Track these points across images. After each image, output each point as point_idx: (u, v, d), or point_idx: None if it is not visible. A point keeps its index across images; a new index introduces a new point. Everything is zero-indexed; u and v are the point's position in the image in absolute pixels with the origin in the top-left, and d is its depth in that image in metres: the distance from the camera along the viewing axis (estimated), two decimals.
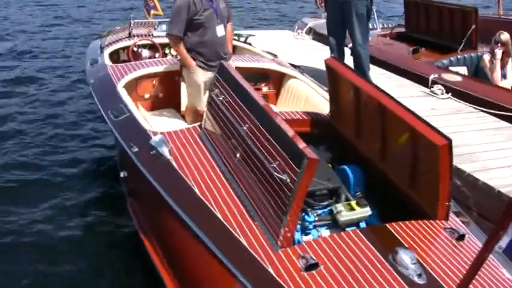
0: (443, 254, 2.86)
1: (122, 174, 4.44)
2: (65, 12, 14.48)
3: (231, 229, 2.93)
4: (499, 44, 6.24)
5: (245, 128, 3.12)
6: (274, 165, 2.78)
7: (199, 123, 3.93)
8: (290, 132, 2.86)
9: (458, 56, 6.76)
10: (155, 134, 3.88)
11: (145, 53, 6.29)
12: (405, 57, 7.04)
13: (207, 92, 4.56)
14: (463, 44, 6.82)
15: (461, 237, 3.01)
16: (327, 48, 8.22)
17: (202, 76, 4.69)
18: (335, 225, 3.32)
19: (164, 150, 3.63)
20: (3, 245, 4.48)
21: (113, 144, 5.65)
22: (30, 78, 9.00)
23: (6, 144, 6.34)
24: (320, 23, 9.81)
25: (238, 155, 3.19)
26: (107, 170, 5.75)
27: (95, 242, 4.56)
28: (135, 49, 6.23)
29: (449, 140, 2.94)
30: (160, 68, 5.38)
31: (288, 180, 2.66)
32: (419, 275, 2.59)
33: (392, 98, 3.43)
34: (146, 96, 5.39)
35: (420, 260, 2.68)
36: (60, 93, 8.32)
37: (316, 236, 3.16)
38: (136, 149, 3.83)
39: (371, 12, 5.82)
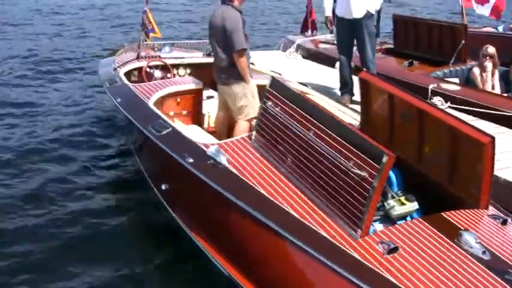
0: (495, 235, 3.28)
1: (163, 187, 4.69)
2: (73, 27, 14.91)
3: (308, 224, 3.27)
4: (487, 57, 6.80)
5: (311, 133, 3.47)
6: (350, 164, 3.13)
7: (247, 134, 4.27)
8: (360, 133, 3.25)
9: (451, 69, 7.31)
10: (206, 145, 4.19)
11: (157, 73, 6.56)
12: (402, 70, 7.54)
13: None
14: (453, 57, 7.39)
15: (504, 222, 3.45)
16: (322, 66, 8.78)
17: (255, 86, 5.04)
18: (386, 219, 3.70)
19: (222, 159, 3.95)
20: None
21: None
22: (45, 89, 9.33)
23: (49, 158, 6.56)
24: (306, 40, 10.29)
25: (303, 158, 3.54)
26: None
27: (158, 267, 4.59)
28: (148, 70, 6.51)
29: (493, 138, 3.37)
30: (184, 87, 5.72)
31: (367, 176, 3.03)
32: (483, 252, 3.02)
33: (429, 103, 3.86)
34: (171, 113, 5.66)
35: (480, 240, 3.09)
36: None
37: (373, 230, 3.52)
38: (191, 160, 4.11)
39: (379, 30, 6.29)
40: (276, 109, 3.86)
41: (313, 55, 9.62)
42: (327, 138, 3.37)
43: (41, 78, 9.91)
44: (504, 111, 5.88)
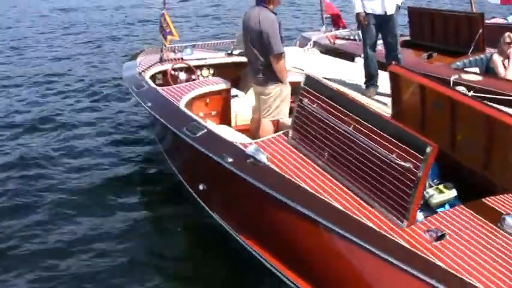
0: None
1: (201, 187, 4.81)
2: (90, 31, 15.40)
3: (353, 215, 3.37)
4: (510, 45, 6.88)
5: (351, 128, 3.57)
6: (394, 156, 3.24)
7: (283, 132, 4.37)
8: (400, 125, 3.35)
9: (470, 59, 7.38)
10: (243, 145, 4.30)
11: (182, 75, 6.65)
12: (422, 62, 7.60)
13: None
14: (472, 47, 7.45)
15: None
16: (341, 60, 8.86)
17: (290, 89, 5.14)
18: (426, 208, 3.81)
19: (262, 157, 4.05)
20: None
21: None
22: (65, 94, 9.63)
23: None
24: (322, 36, 10.37)
25: (344, 153, 3.64)
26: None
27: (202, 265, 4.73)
28: (172, 72, 6.62)
29: None
30: (212, 87, 5.82)
31: (412, 167, 3.13)
32: None
33: (461, 92, 3.95)
34: (201, 114, 5.76)
35: None
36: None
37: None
38: (231, 160, 4.22)
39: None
40: (313, 106, 3.96)
41: (330, 51, 9.69)
42: (367, 132, 3.47)
43: (66, 84, 10.21)
44: None
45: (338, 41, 10.06)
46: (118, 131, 7.76)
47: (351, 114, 3.63)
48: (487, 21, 9.14)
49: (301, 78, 5.98)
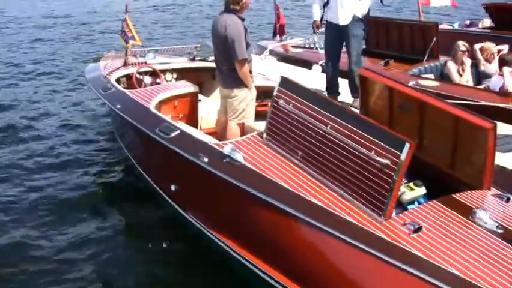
0: (502, 211, 3.59)
1: (173, 188, 4.83)
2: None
3: (333, 211, 3.49)
4: (465, 52, 7.24)
5: (328, 127, 3.70)
6: (372, 153, 3.38)
7: (257, 132, 4.45)
8: (377, 124, 3.50)
9: (426, 66, 7.70)
10: (218, 145, 4.36)
11: (147, 79, 6.69)
12: (379, 69, 7.87)
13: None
14: (427, 54, 7.79)
15: (508, 199, 3.77)
16: (298, 68, 9.06)
17: (255, 92, 5.26)
18: (397, 205, 3.96)
19: (239, 157, 4.12)
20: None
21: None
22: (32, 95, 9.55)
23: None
24: (277, 45, 10.57)
25: (321, 151, 3.76)
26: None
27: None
28: (138, 76, 6.62)
29: (495, 123, 3.68)
30: (181, 91, 5.86)
31: (390, 163, 3.28)
32: (497, 227, 3.32)
33: (429, 95, 4.15)
34: (169, 117, 5.78)
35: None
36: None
37: None
38: (206, 159, 4.28)
39: (365, 34, 6.59)
40: (289, 106, 4.06)
41: (286, 59, 9.90)
42: (345, 130, 3.60)
43: (29, 80, 10.22)
44: (481, 102, 6.25)
45: (294, 49, 10.28)
46: (79, 136, 7.65)
47: (327, 113, 3.76)
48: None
49: (264, 83, 6.19)
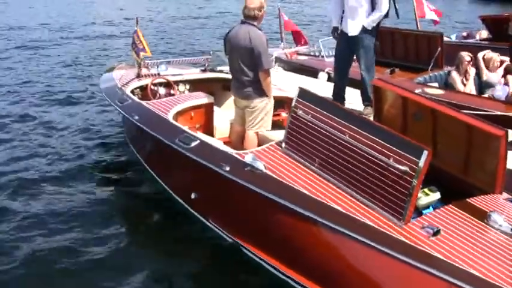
0: None
1: (193, 196, 4.99)
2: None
3: (353, 216, 3.66)
4: (470, 63, 7.45)
5: (347, 136, 3.88)
6: (391, 161, 3.55)
7: (276, 142, 4.62)
8: (395, 132, 3.68)
9: (430, 74, 7.91)
10: (239, 154, 4.54)
11: (161, 90, 6.84)
12: (386, 77, 8.07)
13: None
14: (431, 63, 8.00)
15: None
16: (304, 77, 9.23)
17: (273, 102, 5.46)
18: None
19: (260, 165, 4.30)
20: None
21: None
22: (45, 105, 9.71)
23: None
24: (282, 53, 10.74)
25: (340, 159, 3.93)
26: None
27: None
28: (152, 87, 6.79)
29: (506, 130, 3.87)
30: (197, 102, 6.04)
31: (409, 170, 3.45)
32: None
33: (442, 104, 4.33)
34: (186, 127, 5.94)
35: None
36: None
37: None
38: (228, 168, 4.45)
39: (377, 45, 6.77)
40: (308, 116, 4.24)
41: (292, 67, 10.06)
42: (363, 139, 3.78)
43: (44, 99, 10.17)
44: (486, 111, 6.45)
45: (299, 57, 10.45)
46: (93, 148, 7.80)
47: (346, 123, 3.94)
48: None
49: (276, 93, 6.38)
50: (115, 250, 5.08)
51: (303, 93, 4.40)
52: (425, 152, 3.41)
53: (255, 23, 5.20)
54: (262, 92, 5.30)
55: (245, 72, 5.25)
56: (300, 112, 4.33)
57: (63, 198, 6.15)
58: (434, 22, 12.03)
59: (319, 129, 4.14)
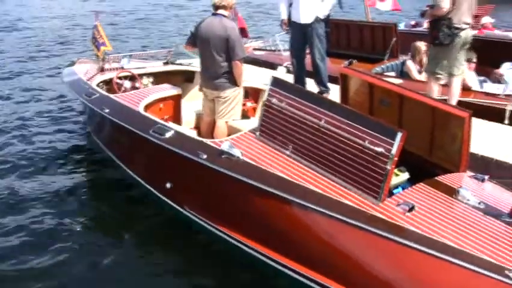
0: (480, 190, 4.05)
1: (169, 185, 5.06)
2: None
3: (332, 197, 3.83)
4: (424, 52, 7.76)
5: (323, 121, 4.04)
6: (366, 143, 3.74)
7: (250, 129, 4.74)
8: (368, 116, 3.87)
9: (387, 64, 8.21)
10: (215, 143, 4.64)
11: (127, 83, 6.83)
12: None
13: None
14: (387, 53, 8.31)
15: (482, 180, 4.24)
16: (264, 69, 9.37)
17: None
18: None
19: (237, 152, 4.41)
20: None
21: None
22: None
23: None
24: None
25: (317, 144, 4.09)
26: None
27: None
28: (117, 81, 6.78)
29: (471, 112, 4.13)
30: (165, 93, 6.10)
31: (384, 151, 3.65)
32: (479, 203, 3.75)
33: (408, 89, 4.57)
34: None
35: None
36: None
37: None
38: (205, 156, 4.54)
39: (328, 33, 6.94)
40: (282, 104, 4.38)
41: (250, 61, 10.18)
42: (339, 124, 3.94)
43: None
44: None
45: (256, 52, 10.60)
46: (54, 138, 7.72)
47: (321, 108, 4.10)
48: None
49: (245, 84, 6.49)
50: (86, 243, 5.10)
51: (276, 82, 4.53)
52: (399, 134, 3.61)
53: (226, 14, 5.30)
54: (234, 82, 5.42)
55: (218, 62, 5.32)
56: (274, 100, 4.46)
57: (30, 190, 6.13)
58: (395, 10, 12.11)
59: (295, 116, 4.28)
